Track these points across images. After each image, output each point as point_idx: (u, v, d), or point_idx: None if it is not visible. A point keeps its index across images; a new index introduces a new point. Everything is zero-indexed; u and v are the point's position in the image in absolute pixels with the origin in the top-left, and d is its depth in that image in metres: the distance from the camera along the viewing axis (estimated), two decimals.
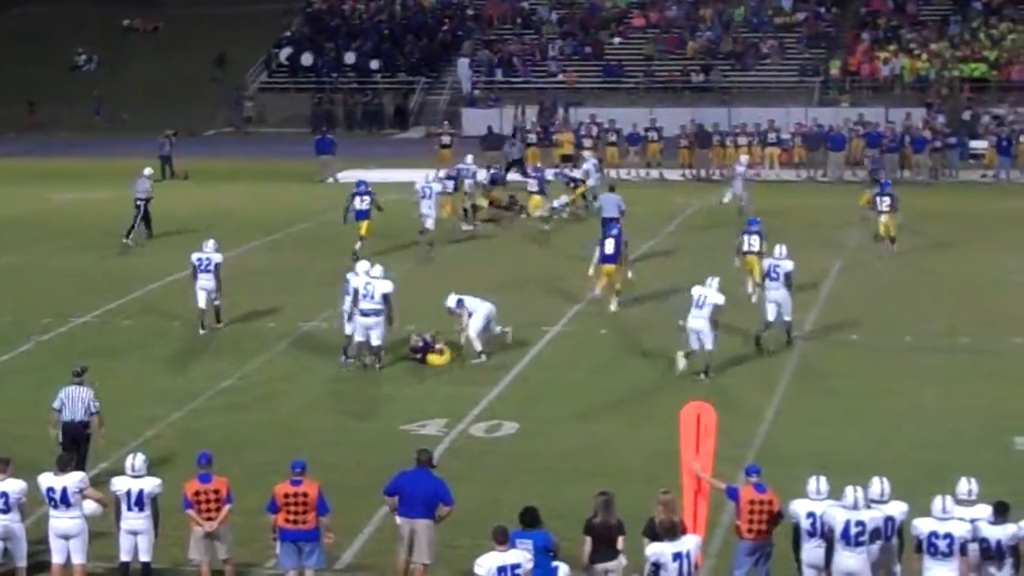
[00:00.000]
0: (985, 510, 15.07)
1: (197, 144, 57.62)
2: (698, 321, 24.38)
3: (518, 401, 23.73)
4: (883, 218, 35.01)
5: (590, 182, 41.55)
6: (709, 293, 24.41)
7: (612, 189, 37.36)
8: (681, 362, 24.66)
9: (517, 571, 14.22)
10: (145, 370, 25.76)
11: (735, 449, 19.59)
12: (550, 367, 25.89)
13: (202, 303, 28.07)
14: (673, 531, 14.54)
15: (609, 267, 29.43)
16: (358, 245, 33.77)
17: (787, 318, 26.53)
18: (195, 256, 28.16)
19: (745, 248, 29.73)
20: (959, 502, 15.09)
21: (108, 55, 71.39)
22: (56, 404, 19.73)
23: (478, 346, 25.77)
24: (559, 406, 23.45)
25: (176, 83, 66.21)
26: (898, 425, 22.13)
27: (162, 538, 16.67)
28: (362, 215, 34.89)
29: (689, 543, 14.58)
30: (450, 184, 38.66)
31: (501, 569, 14.17)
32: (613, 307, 29.43)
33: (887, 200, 35.03)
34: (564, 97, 60.88)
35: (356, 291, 25.28)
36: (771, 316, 26.43)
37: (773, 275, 26.35)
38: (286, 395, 24.14)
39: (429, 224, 36.01)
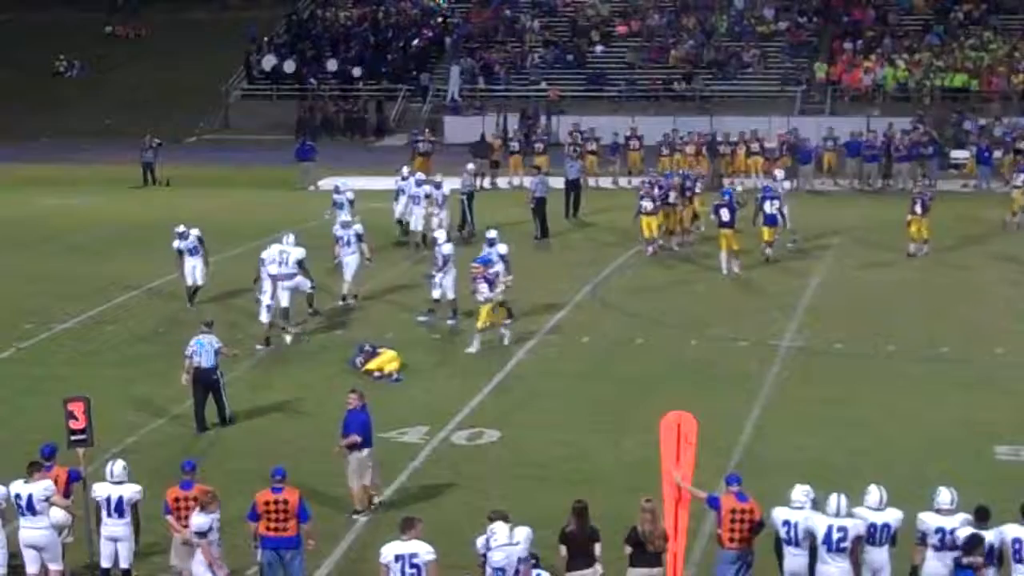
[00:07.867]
0: (959, 518, 15.15)
1: (179, 151, 57.48)
2: None
3: (500, 409, 23.71)
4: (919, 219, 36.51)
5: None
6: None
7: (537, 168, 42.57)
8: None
9: (415, 560, 14.34)
10: (127, 376, 25.68)
11: (716, 458, 19.62)
12: (532, 375, 25.89)
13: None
14: (410, 525, 14.56)
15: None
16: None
17: None
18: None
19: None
20: (940, 511, 15.17)
21: (91, 61, 71.23)
22: (188, 351, 22.21)
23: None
24: (540, 414, 23.46)
25: (159, 89, 66.07)
26: (880, 434, 22.16)
27: (144, 545, 16.64)
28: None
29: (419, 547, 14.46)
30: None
31: (399, 557, 14.36)
32: None
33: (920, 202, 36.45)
34: (546, 105, 60.90)
35: (263, 260, 27.55)
36: None
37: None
38: (266, 403, 24.06)
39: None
